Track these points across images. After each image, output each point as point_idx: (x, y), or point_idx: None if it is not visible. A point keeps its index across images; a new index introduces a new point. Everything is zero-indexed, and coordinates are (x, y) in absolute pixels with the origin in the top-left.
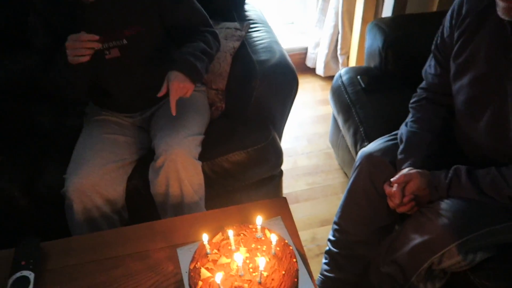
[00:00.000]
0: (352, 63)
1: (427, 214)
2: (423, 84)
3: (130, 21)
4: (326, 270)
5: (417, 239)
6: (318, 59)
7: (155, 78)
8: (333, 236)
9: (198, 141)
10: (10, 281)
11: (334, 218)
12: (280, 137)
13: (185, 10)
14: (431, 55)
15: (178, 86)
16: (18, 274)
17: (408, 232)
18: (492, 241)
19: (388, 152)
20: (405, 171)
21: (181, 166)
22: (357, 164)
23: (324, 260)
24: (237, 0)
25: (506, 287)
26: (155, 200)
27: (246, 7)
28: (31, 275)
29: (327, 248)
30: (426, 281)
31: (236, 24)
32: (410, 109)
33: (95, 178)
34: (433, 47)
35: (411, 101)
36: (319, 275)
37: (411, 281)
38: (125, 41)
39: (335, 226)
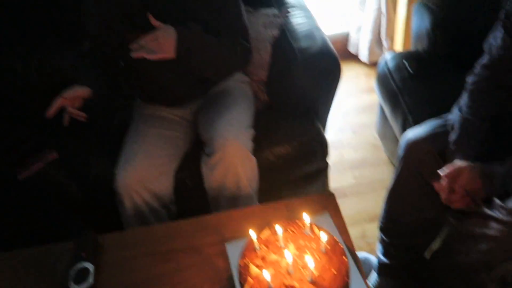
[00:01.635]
0: (398, 47)
1: (494, 215)
2: (485, 60)
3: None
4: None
5: (484, 245)
6: (361, 44)
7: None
8: (384, 226)
9: (251, 134)
10: (72, 272)
11: (381, 211)
12: (324, 128)
13: (231, 14)
14: (497, 24)
15: (159, 36)
16: (79, 265)
17: (475, 236)
18: None
19: (436, 140)
20: (455, 163)
21: (239, 161)
22: (401, 154)
23: (380, 248)
24: None
25: None
26: (208, 193)
27: None
28: (91, 266)
29: (379, 236)
30: (497, 284)
31: (274, 11)
32: (468, 91)
33: (142, 173)
34: (503, 15)
35: (470, 80)
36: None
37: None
38: None
39: (385, 217)
